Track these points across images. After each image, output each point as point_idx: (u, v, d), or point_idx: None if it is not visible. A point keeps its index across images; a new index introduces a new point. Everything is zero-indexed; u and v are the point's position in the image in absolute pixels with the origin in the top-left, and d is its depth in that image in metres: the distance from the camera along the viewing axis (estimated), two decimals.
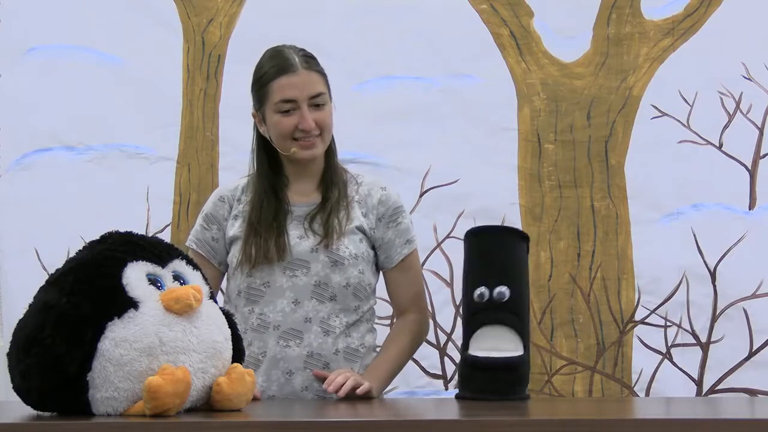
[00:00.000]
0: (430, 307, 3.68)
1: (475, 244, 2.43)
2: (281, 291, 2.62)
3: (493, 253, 2.40)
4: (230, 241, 2.69)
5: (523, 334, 2.38)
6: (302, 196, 2.69)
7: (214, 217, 2.72)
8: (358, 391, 2.47)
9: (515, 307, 2.37)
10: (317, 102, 2.64)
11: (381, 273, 2.74)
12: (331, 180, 2.69)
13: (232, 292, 2.68)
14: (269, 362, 2.61)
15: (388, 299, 2.81)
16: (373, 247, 2.69)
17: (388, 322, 3.56)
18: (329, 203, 2.66)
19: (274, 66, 2.64)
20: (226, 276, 2.74)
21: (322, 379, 2.56)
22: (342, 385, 2.47)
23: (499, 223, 3.82)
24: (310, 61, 2.66)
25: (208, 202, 2.76)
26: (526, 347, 2.39)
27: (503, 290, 2.36)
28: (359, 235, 2.66)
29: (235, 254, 2.66)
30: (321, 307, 2.62)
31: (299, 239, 2.63)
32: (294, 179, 2.71)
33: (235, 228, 2.68)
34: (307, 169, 2.70)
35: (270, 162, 2.71)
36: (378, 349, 2.73)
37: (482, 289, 2.37)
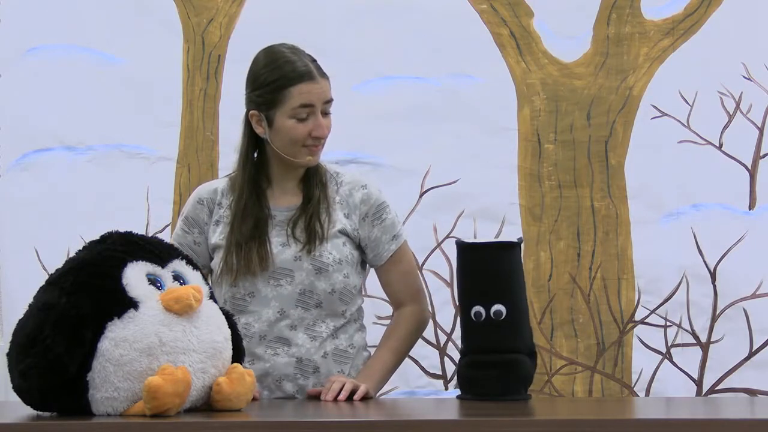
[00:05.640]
0: (429, 308, 3.68)
1: (467, 259, 2.41)
2: (266, 301, 2.61)
3: (486, 270, 2.38)
4: (213, 248, 2.69)
5: (522, 346, 2.38)
6: (283, 198, 2.68)
7: (195, 221, 2.71)
8: (355, 396, 2.47)
9: (514, 323, 2.36)
10: (326, 110, 2.65)
11: (372, 270, 2.74)
12: (313, 179, 2.69)
13: (218, 301, 2.67)
14: (258, 371, 2.59)
15: (382, 298, 2.81)
16: (359, 248, 2.69)
17: (387, 322, 3.56)
18: (311, 205, 2.65)
19: (293, 71, 2.61)
20: (211, 282, 2.74)
21: (317, 395, 2.54)
22: (339, 392, 2.47)
23: (498, 224, 3.83)
24: (320, 68, 2.66)
25: (187, 204, 2.75)
26: (529, 353, 2.39)
27: (500, 308, 2.36)
28: (342, 239, 2.65)
29: (217, 263, 2.66)
30: (307, 314, 2.62)
31: (282, 247, 2.63)
32: (277, 179, 2.70)
33: (216, 235, 2.68)
34: (293, 170, 2.69)
35: (256, 163, 2.71)
36: (369, 348, 2.73)
37: (478, 308, 2.37)
